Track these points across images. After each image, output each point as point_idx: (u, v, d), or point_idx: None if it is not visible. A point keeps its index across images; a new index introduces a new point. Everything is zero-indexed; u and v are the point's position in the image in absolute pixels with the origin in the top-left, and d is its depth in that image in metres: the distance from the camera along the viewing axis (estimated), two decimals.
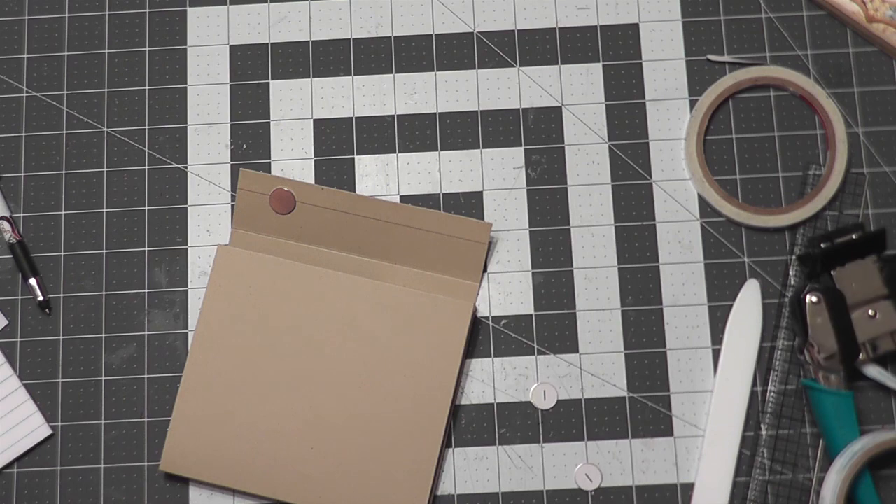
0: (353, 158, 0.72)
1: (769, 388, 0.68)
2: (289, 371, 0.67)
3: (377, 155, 0.72)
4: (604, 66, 0.73)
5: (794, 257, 0.70)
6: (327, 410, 0.67)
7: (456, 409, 0.68)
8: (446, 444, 0.68)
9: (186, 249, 0.71)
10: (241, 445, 0.66)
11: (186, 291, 0.70)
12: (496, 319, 0.70)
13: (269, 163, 0.72)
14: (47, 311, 0.70)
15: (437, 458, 0.66)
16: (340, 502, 0.65)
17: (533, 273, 0.70)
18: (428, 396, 0.67)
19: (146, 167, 0.72)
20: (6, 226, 0.70)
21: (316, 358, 0.67)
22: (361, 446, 0.66)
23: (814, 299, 0.66)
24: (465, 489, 0.67)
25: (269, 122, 0.73)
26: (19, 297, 0.70)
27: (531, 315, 0.70)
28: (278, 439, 0.66)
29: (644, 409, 0.68)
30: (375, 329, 0.68)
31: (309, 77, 0.73)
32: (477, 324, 0.70)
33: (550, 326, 0.69)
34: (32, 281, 0.70)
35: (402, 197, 0.71)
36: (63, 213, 0.71)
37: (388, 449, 0.66)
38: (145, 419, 0.69)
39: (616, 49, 0.73)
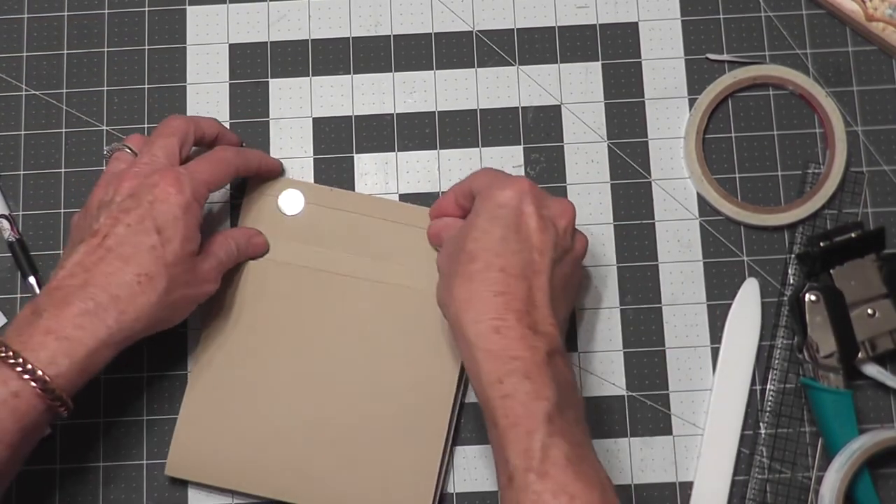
0: (353, 157, 0.72)
1: (768, 386, 0.68)
2: (294, 373, 0.67)
3: (376, 153, 0.72)
4: (603, 64, 0.73)
5: (793, 256, 0.70)
6: (332, 411, 0.66)
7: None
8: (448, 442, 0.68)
9: None
10: (246, 448, 0.66)
11: None
12: None
13: None
14: None
15: (441, 458, 0.66)
16: (346, 503, 0.65)
17: None
18: (431, 396, 0.66)
19: None
20: (5, 224, 0.70)
21: (320, 359, 0.67)
22: (366, 446, 0.66)
23: (813, 298, 0.66)
24: (465, 487, 0.67)
25: (268, 121, 0.73)
26: (18, 296, 0.70)
27: None
28: (283, 441, 0.66)
29: (643, 407, 0.68)
30: (379, 329, 0.67)
31: (308, 76, 0.73)
32: None
33: None
34: (31, 279, 0.70)
35: (401, 196, 0.71)
36: (62, 211, 0.71)
37: (393, 449, 0.66)
38: (144, 417, 0.68)
39: (615, 48, 0.73)
